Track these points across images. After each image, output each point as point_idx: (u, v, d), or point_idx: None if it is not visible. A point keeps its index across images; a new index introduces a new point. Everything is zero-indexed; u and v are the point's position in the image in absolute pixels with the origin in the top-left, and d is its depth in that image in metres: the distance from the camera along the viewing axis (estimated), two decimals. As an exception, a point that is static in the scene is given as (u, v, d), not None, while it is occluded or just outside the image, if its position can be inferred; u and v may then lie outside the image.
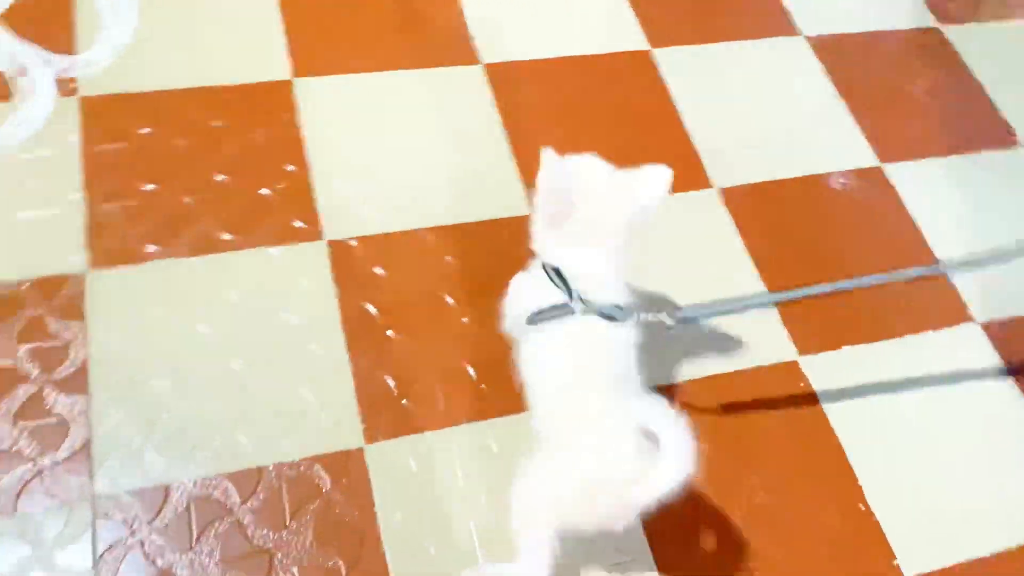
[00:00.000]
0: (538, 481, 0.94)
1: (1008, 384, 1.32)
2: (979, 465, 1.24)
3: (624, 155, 1.04)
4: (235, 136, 1.34)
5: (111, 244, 1.21)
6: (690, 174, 1.44)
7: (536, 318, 0.99)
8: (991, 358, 1.34)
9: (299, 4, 1.51)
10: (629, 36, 1.60)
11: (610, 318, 0.97)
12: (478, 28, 1.55)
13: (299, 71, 1.43)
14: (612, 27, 1.61)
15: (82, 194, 1.24)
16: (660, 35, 1.60)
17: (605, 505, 0.90)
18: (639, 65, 1.56)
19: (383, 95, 1.45)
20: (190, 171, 1.29)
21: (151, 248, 1.21)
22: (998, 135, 1.63)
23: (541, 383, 1.00)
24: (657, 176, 1.00)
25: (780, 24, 1.69)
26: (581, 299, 0.97)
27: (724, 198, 1.43)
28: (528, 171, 1.37)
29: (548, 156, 0.97)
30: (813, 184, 1.48)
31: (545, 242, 1.03)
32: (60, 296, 1.15)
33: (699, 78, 1.57)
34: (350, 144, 1.38)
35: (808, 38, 1.68)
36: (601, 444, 0.91)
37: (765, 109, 1.56)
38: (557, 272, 1.00)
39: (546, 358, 1.00)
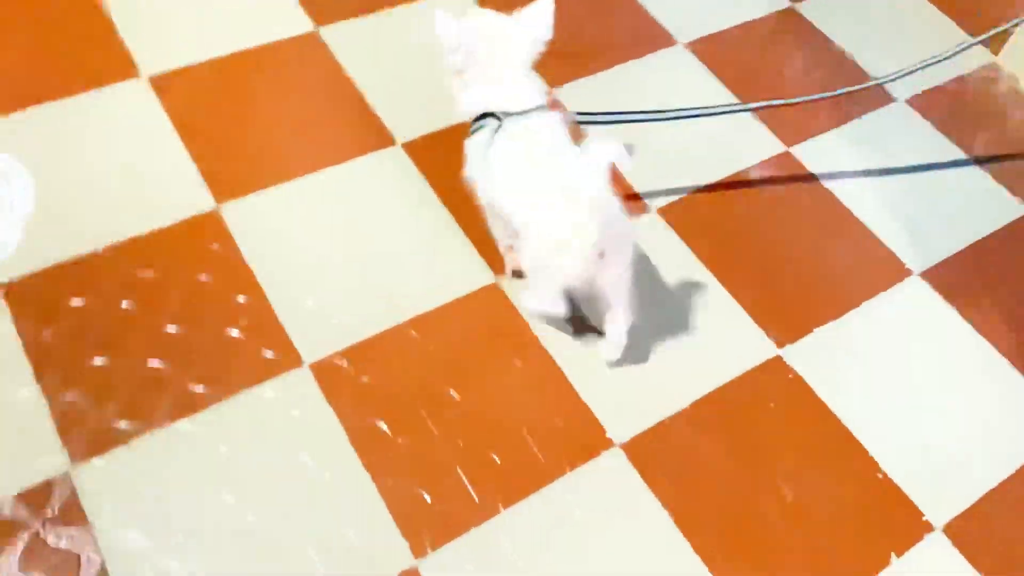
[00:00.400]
0: (528, 257, 1.18)
1: (959, 321, 1.44)
2: (963, 404, 1.35)
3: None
4: (176, 283, 1.28)
5: (85, 433, 1.13)
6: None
7: (474, 127, 1.22)
8: (938, 302, 1.45)
9: (197, 130, 1.46)
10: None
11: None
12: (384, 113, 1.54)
13: (220, 197, 1.38)
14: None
15: (37, 387, 1.15)
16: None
17: (573, 253, 1.11)
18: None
19: (314, 198, 1.42)
20: (141, 332, 1.23)
21: (128, 425, 1.15)
22: (875, 96, 1.76)
23: (505, 191, 1.20)
24: (542, 8, 1.21)
25: (659, 37, 1.77)
26: (508, 114, 1.19)
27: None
28: (482, 240, 1.38)
29: (441, 18, 1.17)
30: (735, 181, 1.56)
31: (464, 96, 1.24)
32: (51, 504, 1.07)
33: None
34: (298, 257, 1.34)
35: (687, 45, 1.77)
36: (553, 208, 1.10)
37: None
38: (484, 115, 1.21)
39: (501, 168, 1.19)
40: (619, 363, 1.28)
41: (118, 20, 1.59)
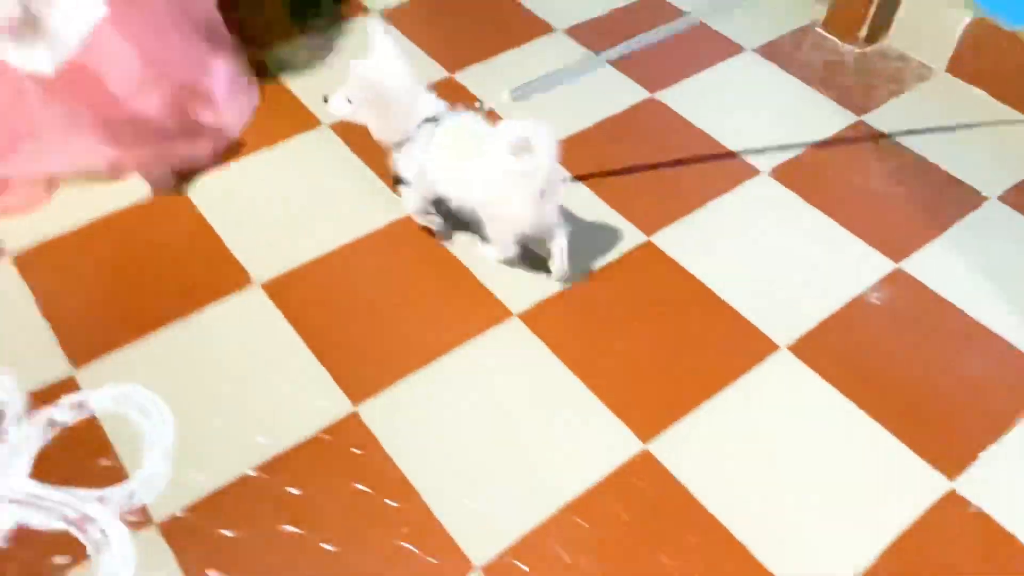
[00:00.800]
0: (488, 217, 1.48)
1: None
2: None
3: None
4: (329, 497, 1.26)
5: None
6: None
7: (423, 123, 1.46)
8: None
9: (318, 330, 1.47)
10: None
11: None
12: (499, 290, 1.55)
13: (355, 397, 1.37)
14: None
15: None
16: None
17: (521, 202, 1.40)
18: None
19: (446, 383, 1.40)
20: (303, 555, 1.20)
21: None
22: (967, 198, 1.75)
23: (448, 176, 1.47)
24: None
25: (743, 170, 1.79)
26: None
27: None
28: (622, 405, 1.36)
29: (334, 102, 1.47)
30: (856, 306, 1.54)
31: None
32: None
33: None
34: (444, 449, 1.32)
35: (772, 171, 1.79)
36: (497, 167, 1.37)
37: (776, 255, 1.62)
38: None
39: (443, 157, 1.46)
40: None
41: (223, 233, 1.63)
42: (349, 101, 1.47)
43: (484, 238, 1.57)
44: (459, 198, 1.50)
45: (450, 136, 1.46)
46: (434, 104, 1.50)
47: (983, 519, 1.26)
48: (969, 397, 1.41)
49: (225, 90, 1.75)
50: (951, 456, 1.33)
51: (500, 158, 1.36)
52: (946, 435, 1.36)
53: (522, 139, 1.33)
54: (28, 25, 1.40)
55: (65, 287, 1.53)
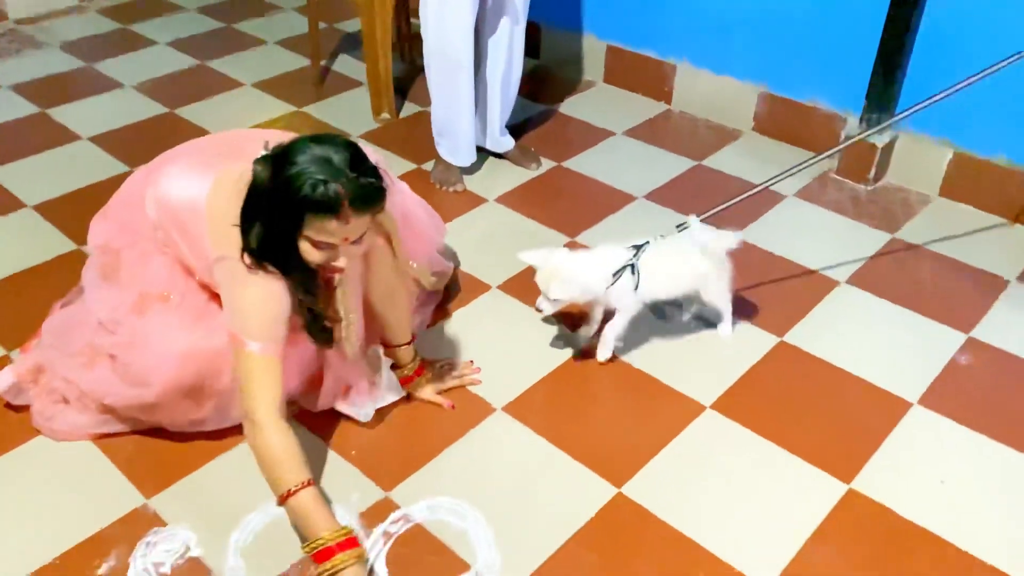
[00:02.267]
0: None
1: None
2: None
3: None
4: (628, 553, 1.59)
5: None
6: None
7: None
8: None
9: (570, 442, 1.83)
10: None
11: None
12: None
13: (616, 483, 1.73)
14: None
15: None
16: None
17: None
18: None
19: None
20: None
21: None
22: (992, 281, 2.31)
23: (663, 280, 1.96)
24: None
25: (824, 282, 2.30)
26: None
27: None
28: None
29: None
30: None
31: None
32: None
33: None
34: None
35: (847, 279, 2.31)
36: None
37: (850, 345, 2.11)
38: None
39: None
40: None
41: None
42: (555, 300, 1.85)
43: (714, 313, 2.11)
44: (675, 287, 1.99)
45: (655, 257, 1.92)
46: (608, 254, 1.92)
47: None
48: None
49: None
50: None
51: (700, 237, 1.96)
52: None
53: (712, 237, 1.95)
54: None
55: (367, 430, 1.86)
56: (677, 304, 2.17)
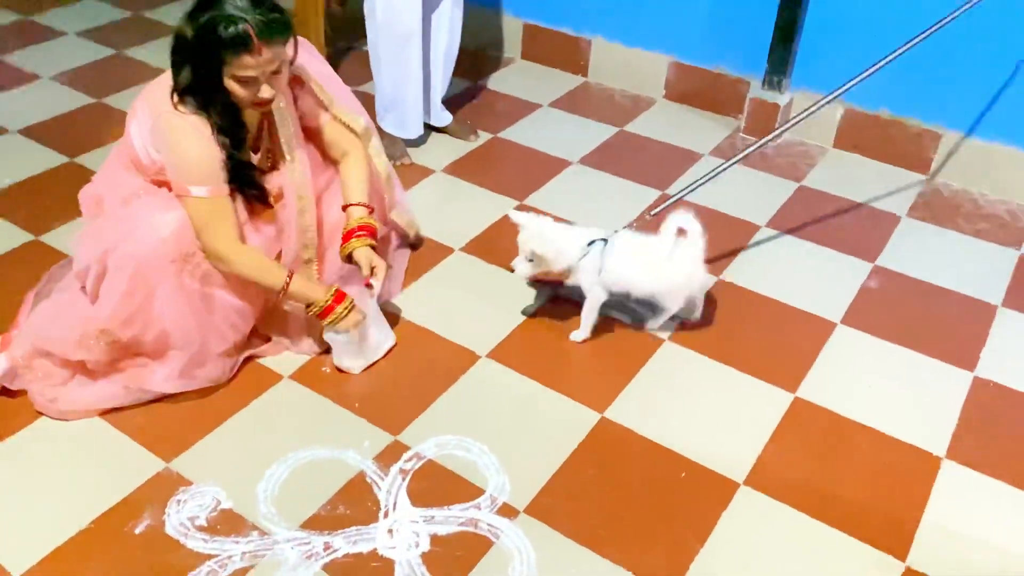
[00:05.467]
0: (667, 292, 2.09)
1: None
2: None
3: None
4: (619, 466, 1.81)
5: None
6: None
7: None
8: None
9: (552, 382, 2.03)
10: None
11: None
12: None
13: (599, 409, 1.94)
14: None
15: None
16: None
17: (695, 268, 2.07)
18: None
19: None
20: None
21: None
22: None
23: (632, 272, 2.04)
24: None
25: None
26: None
27: None
28: None
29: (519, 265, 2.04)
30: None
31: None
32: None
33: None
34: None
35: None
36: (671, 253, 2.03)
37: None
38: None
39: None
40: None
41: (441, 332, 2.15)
42: (530, 261, 2.00)
43: (648, 314, 2.16)
44: (640, 286, 2.05)
45: (626, 247, 2.04)
46: (589, 232, 2.07)
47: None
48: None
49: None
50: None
51: (671, 246, 1.99)
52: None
53: (683, 224, 1.98)
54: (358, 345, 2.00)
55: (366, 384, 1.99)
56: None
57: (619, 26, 3.28)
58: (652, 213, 2.21)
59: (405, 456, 1.81)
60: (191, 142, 1.73)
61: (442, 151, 2.89)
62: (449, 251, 2.43)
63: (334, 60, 3.37)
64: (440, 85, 2.85)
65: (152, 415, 1.87)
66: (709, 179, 2.28)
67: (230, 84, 1.69)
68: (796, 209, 2.70)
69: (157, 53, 3.42)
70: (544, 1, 3.39)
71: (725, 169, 2.31)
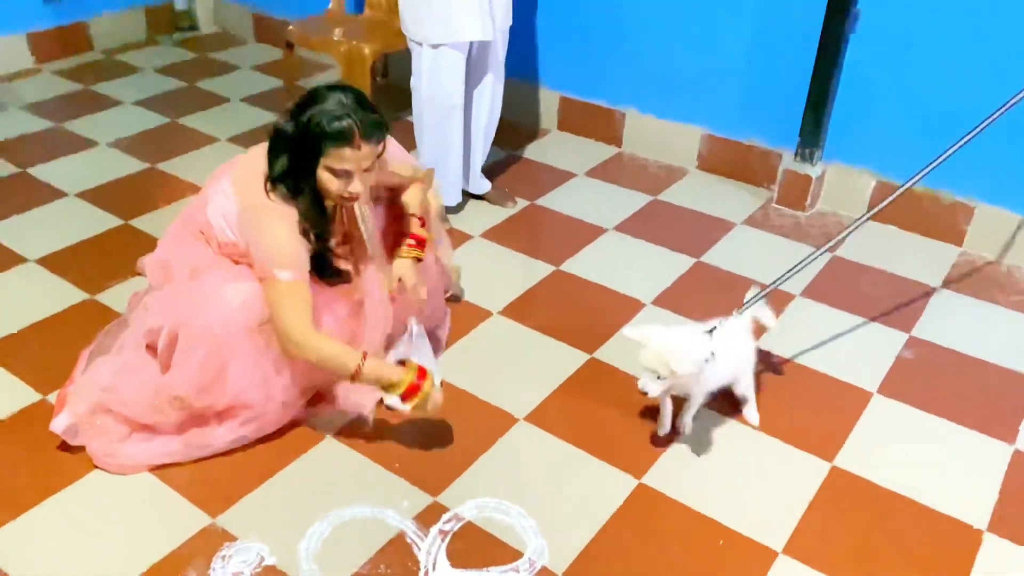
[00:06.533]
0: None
1: None
2: None
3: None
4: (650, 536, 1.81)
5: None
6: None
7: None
8: None
9: (588, 444, 2.05)
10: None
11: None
12: None
13: (637, 475, 1.95)
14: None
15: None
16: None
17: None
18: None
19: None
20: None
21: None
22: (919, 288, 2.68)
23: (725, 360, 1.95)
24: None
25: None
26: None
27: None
28: None
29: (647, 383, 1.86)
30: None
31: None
32: None
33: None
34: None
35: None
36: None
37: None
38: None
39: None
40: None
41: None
42: (660, 378, 1.82)
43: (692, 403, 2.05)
44: (728, 375, 2.03)
45: (723, 336, 1.94)
46: (699, 327, 1.95)
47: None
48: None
49: None
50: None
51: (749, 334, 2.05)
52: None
53: (764, 318, 2.09)
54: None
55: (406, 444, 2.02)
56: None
57: (652, 99, 3.38)
58: (751, 300, 2.08)
59: (444, 517, 1.83)
60: (281, 230, 1.83)
61: (481, 217, 2.98)
62: (488, 314, 2.49)
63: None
64: (480, 155, 2.95)
65: (199, 470, 1.91)
66: (800, 269, 2.13)
67: (323, 175, 1.80)
68: (831, 278, 2.72)
69: (208, 121, 3.58)
70: (579, 75, 3.51)
71: (816, 258, 2.18)
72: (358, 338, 2.00)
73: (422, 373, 1.86)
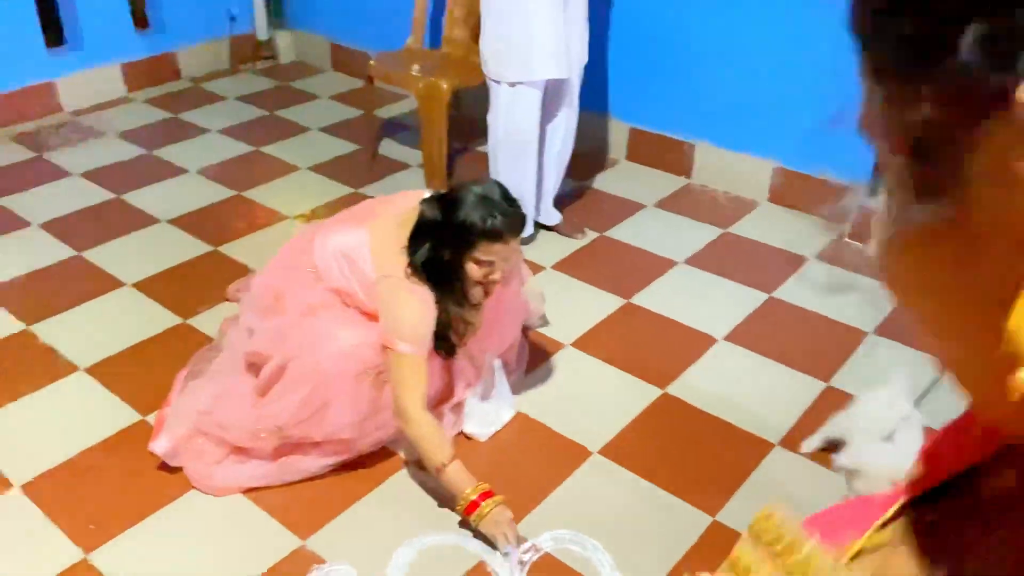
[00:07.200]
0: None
1: None
2: None
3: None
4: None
5: None
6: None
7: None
8: None
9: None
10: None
11: None
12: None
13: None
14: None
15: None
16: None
17: None
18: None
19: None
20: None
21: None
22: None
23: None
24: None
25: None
26: None
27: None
28: None
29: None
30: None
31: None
32: None
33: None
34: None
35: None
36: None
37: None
38: None
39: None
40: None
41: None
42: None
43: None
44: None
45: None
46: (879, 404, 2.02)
47: None
48: None
49: None
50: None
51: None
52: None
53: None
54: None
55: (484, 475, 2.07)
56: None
57: (723, 131, 3.41)
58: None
59: (523, 547, 1.89)
60: (415, 310, 1.91)
61: (551, 248, 3.04)
62: (560, 346, 2.54)
63: (451, 160, 3.61)
64: (552, 187, 3.02)
65: (289, 494, 2.01)
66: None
67: (468, 264, 1.91)
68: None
69: (289, 150, 3.73)
70: (650, 107, 3.56)
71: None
72: (448, 388, 2.16)
73: (486, 494, 1.87)
